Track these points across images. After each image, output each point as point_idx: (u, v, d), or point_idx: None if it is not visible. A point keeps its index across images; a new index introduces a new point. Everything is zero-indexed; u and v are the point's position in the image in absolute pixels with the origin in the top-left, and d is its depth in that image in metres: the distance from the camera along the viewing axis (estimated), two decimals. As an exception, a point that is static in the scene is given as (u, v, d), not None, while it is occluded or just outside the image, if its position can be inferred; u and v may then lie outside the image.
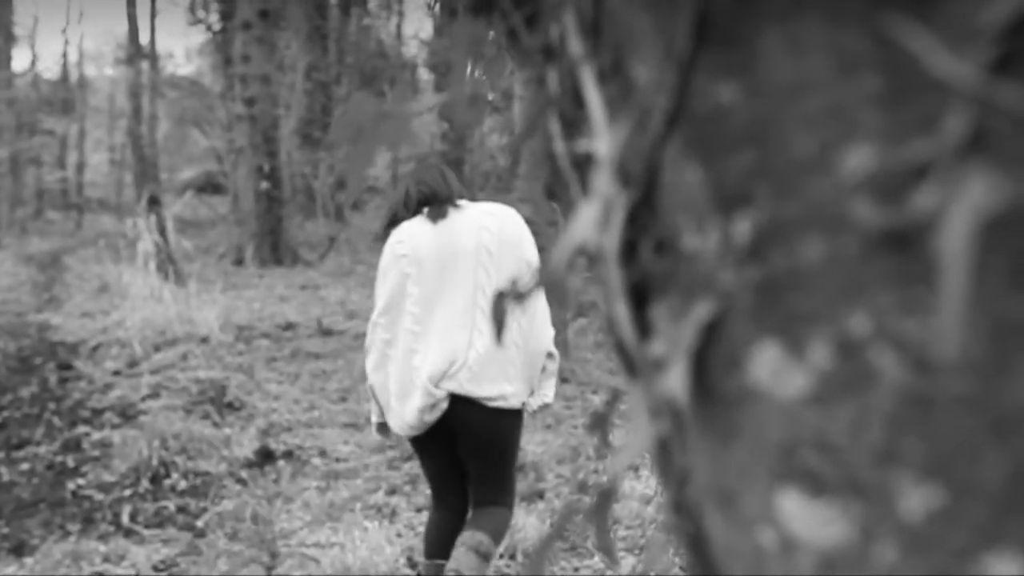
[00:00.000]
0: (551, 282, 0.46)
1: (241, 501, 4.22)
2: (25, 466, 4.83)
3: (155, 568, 3.64)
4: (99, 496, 4.38)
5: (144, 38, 24.08)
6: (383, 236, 2.92)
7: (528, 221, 2.92)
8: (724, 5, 0.36)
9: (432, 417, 2.77)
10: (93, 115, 28.73)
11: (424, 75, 22.13)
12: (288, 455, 4.87)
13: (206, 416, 5.41)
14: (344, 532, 3.77)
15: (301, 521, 4.00)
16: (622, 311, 0.43)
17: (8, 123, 20.80)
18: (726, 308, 0.37)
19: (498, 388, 2.75)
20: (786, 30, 0.35)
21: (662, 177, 0.40)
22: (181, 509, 4.23)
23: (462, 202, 2.87)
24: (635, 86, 0.41)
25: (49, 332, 8.19)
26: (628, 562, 3.49)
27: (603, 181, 0.42)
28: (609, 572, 3.43)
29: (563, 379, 5.59)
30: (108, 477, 4.59)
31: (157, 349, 7.00)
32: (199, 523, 4.06)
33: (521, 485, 3.18)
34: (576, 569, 3.52)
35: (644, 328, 0.42)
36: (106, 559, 3.70)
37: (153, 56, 24.07)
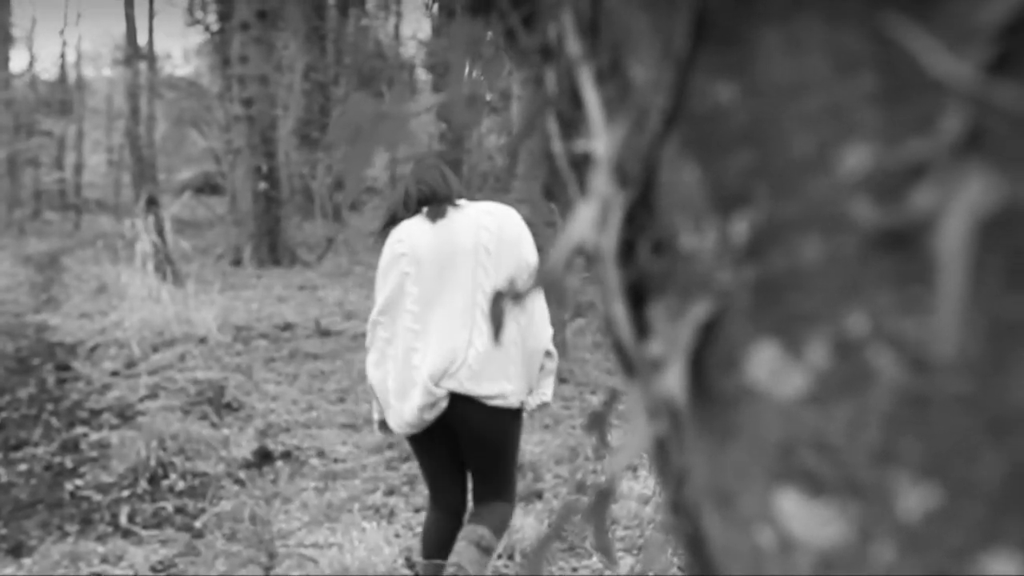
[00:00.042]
0: (549, 282, 0.46)
1: (239, 502, 4.22)
2: (23, 467, 4.83)
3: (153, 569, 3.63)
4: (97, 497, 4.38)
5: (142, 39, 24.11)
6: (382, 235, 2.92)
7: (526, 221, 2.92)
8: (722, 5, 0.36)
9: (432, 415, 2.77)
10: (91, 116, 28.70)
11: (422, 75, 22.14)
12: (286, 456, 4.87)
13: (204, 417, 5.41)
14: (342, 532, 3.77)
15: (299, 522, 4.00)
16: (620, 311, 0.43)
17: (6, 124, 20.79)
18: (724, 308, 0.37)
19: (498, 387, 2.75)
20: (785, 30, 0.35)
21: (660, 177, 0.40)
22: (179, 510, 4.23)
23: (461, 201, 2.87)
24: (633, 86, 0.41)
25: (47, 333, 8.18)
26: (626, 562, 3.49)
27: (601, 181, 0.42)
28: (607, 572, 3.43)
29: (561, 379, 5.59)
30: (106, 478, 4.58)
31: (155, 350, 7.00)
32: (197, 524, 4.05)
33: (519, 485, 3.18)
34: (574, 569, 3.52)
35: (642, 328, 0.42)
36: (104, 560, 3.70)
37: (151, 57, 24.05)
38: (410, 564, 3.51)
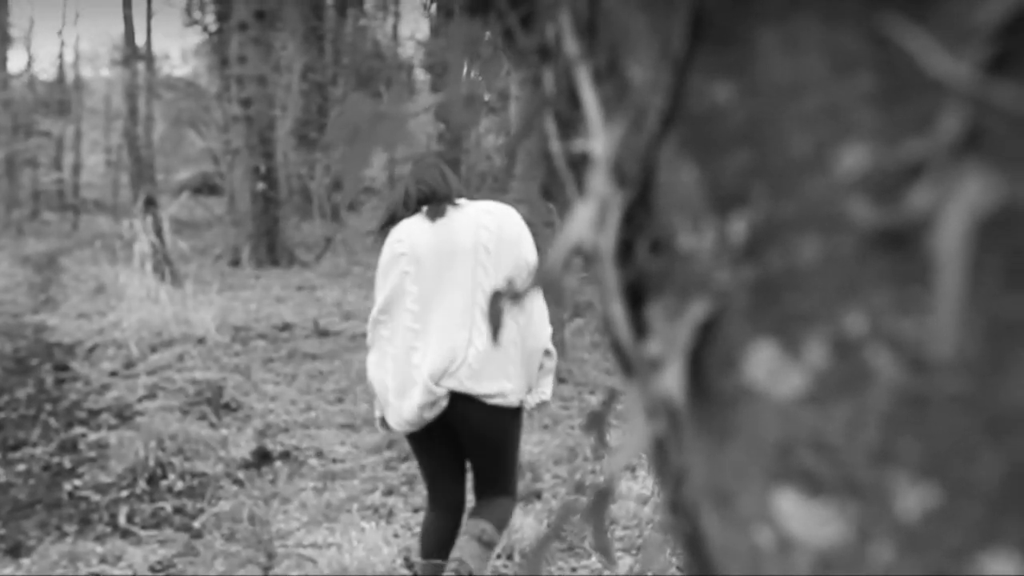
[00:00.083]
0: (548, 281, 0.46)
1: (238, 502, 4.22)
2: (21, 467, 4.83)
3: (152, 569, 3.63)
4: (96, 497, 4.38)
5: (140, 39, 24.09)
6: (381, 235, 2.92)
7: (525, 221, 2.92)
8: (720, 5, 0.36)
9: (432, 414, 2.78)
10: (89, 116, 28.69)
11: (420, 76, 22.13)
12: (285, 456, 4.86)
13: (203, 417, 5.41)
14: (341, 532, 3.77)
15: (298, 522, 4.00)
16: (618, 311, 0.43)
17: (4, 124, 20.78)
18: (722, 308, 0.37)
19: (498, 385, 2.76)
20: (782, 30, 0.35)
21: (658, 177, 0.40)
22: (178, 510, 4.23)
23: (461, 201, 2.87)
24: (631, 86, 0.41)
25: (45, 333, 8.18)
26: (625, 562, 3.49)
27: (599, 181, 0.42)
28: (606, 572, 3.43)
29: (560, 379, 5.59)
30: (105, 478, 4.58)
31: (153, 350, 6.99)
32: (196, 524, 4.05)
33: (518, 486, 3.19)
34: (573, 569, 3.52)
35: (640, 328, 0.42)
36: (103, 560, 3.69)
37: (149, 57, 24.02)
38: (409, 564, 3.51)
